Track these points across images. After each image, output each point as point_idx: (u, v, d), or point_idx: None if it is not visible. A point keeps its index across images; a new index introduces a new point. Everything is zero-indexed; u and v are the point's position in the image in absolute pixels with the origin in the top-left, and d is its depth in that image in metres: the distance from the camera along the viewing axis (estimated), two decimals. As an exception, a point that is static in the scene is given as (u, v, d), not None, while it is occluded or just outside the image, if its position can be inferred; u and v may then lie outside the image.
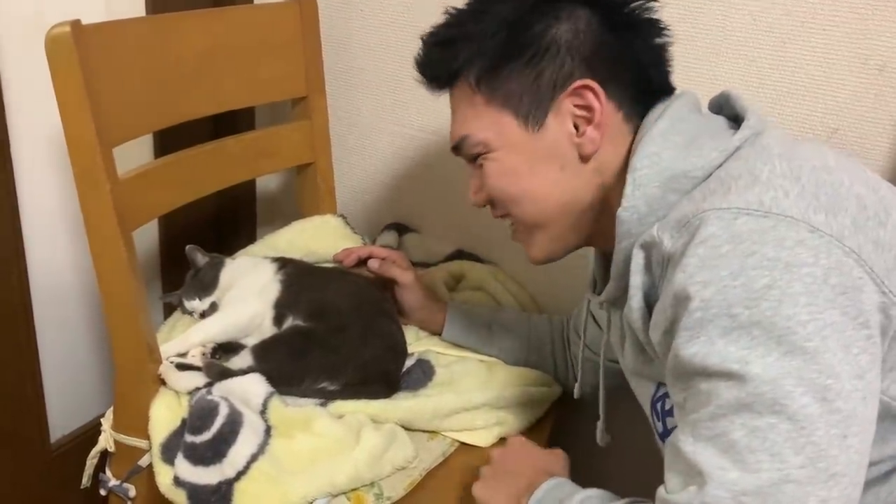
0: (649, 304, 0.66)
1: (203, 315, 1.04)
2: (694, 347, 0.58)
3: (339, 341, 0.95)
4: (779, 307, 0.55)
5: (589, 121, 0.72)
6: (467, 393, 0.97)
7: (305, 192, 1.27)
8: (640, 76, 0.74)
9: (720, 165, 0.66)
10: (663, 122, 0.70)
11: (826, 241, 0.56)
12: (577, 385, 0.98)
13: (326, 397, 0.93)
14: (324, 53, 1.22)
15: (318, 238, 1.22)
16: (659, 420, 0.76)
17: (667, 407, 0.74)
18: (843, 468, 0.54)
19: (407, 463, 0.87)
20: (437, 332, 1.10)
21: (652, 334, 0.66)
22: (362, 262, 1.13)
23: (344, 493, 0.83)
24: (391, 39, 1.24)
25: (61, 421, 1.24)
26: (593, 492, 0.73)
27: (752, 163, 0.63)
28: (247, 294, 1.02)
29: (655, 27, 0.75)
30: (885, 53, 0.91)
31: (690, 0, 0.99)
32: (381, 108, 1.29)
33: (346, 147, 1.34)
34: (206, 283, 1.05)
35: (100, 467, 1.00)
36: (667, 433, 0.74)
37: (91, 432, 1.21)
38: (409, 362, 1.02)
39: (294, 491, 0.81)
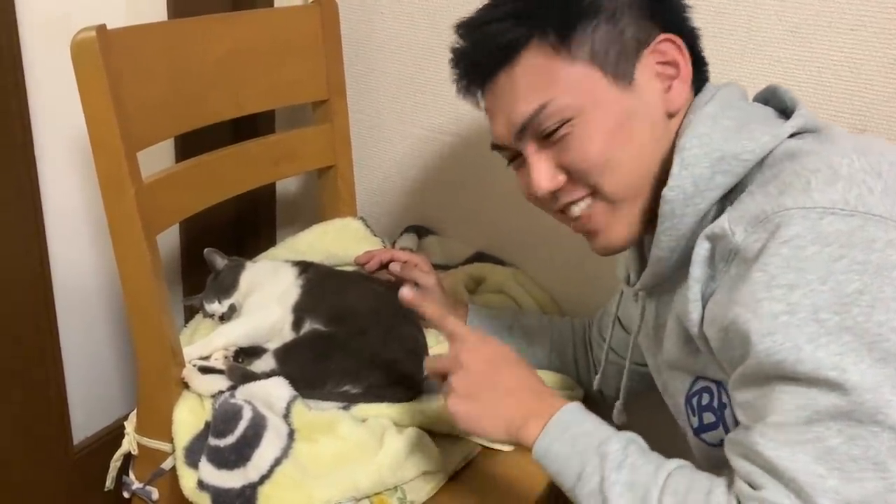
0: (703, 296, 0.65)
1: (222, 317, 1.05)
2: (780, 353, 0.56)
3: (361, 344, 0.95)
4: (871, 313, 0.54)
5: (673, 77, 0.71)
6: (490, 397, 0.96)
7: (326, 194, 1.28)
8: (692, 44, 0.73)
9: (772, 151, 0.65)
10: (713, 105, 0.69)
11: None
12: (596, 377, 0.96)
13: (349, 400, 0.92)
14: (344, 56, 1.22)
15: (339, 241, 1.22)
16: (695, 415, 0.74)
17: (703, 402, 0.72)
18: None
19: (430, 467, 0.87)
20: (458, 337, 1.09)
21: (707, 329, 0.64)
22: (383, 265, 1.13)
23: (367, 496, 0.83)
24: (411, 41, 1.24)
25: (84, 422, 1.25)
26: (628, 437, 0.67)
27: (828, 156, 0.61)
28: (269, 299, 1.03)
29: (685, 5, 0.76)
30: (914, 53, 0.90)
31: (717, 1, 0.98)
32: (401, 110, 1.29)
33: (367, 150, 1.34)
34: (226, 286, 1.05)
35: (123, 470, 1.00)
36: (703, 428, 0.73)
37: (114, 434, 1.22)
38: (431, 366, 1.02)
39: (318, 494, 0.81)
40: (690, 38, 0.73)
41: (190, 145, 1.15)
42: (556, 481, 0.68)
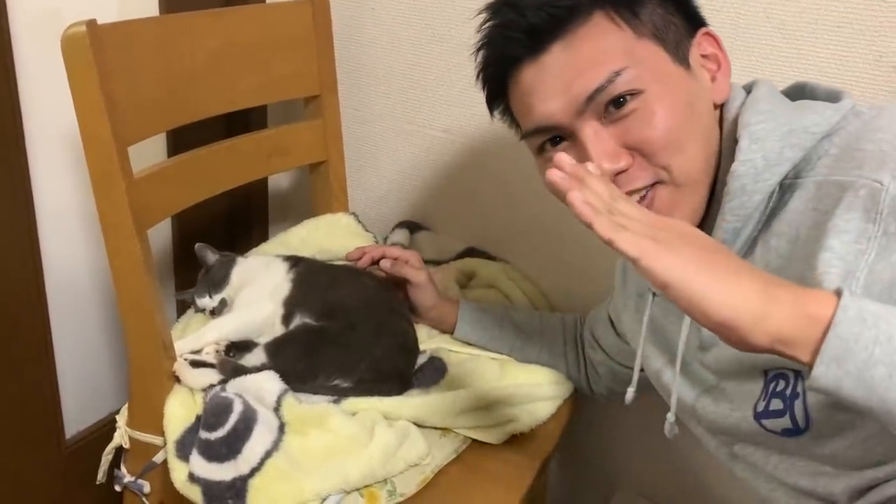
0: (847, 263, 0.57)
1: (213, 312, 1.05)
2: None
3: (352, 339, 0.96)
4: None
5: (714, 70, 0.71)
6: (479, 391, 0.97)
7: (318, 190, 1.28)
8: None
9: (838, 126, 0.65)
10: (763, 89, 0.69)
11: None
12: (630, 390, 0.83)
13: (339, 394, 0.93)
14: (336, 51, 1.22)
15: (331, 236, 1.23)
16: (764, 399, 0.68)
17: (778, 388, 0.67)
18: None
19: (419, 460, 0.88)
20: (449, 331, 1.10)
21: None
22: (375, 262, 1.13)
23: (357, 489, 0.83)
24: (403, 37, 1.24)
25: (76, 417, 1.25)
26: None
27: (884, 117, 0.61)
28: (260, 294, 1.03)
29: None
30: (899, 50, 0.90)
31: (703, -2, 0.99)
32: (393, 106, 1.30)
33: (359, 145, 1.35)
34: (217, 281, 1.06)
35: (115, 463, 1.01)
36: (766, 414, 0.68)
37: (105, 428, 1.23)
38: (421, 360, 1.03)
39: (308, 487, 0.81)
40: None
41: (182, 140, 1.15)
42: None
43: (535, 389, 1.00)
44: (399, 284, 1.11)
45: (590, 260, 1.17)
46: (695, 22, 0.72)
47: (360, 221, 1.27)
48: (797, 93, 0.74)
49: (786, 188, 0.65)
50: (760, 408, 0.70)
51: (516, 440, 0.96)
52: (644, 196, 0.68)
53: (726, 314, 0.48)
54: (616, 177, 0.68)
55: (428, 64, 1.23)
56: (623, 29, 0.68)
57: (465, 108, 1.22)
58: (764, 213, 0.66)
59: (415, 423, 0.92)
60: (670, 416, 0.79)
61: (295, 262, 1.08)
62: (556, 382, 1.04)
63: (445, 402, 0.94)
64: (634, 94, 0.67)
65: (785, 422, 0.68)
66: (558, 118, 0.69)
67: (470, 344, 1.08)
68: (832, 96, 0.70)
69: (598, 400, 1.10)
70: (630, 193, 0.68)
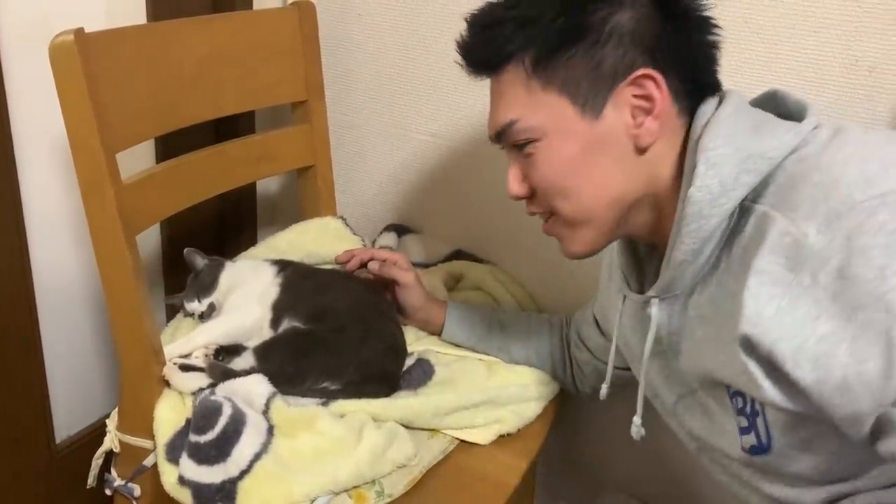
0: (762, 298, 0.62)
1: (202, 316, 1.06)
2: None
3: (340, 342, 0.97)
4: None
5: (647, 111, 0.70)
6: (467, 392, 0.98)
7: (306, 194, 1.29)
8: (694, 71, 0.72)
9: (796, 149, 0.65)
10: (727, 108, 0.69)
11: None
12: (604, 387, 0.92)
13: (328, 397, 0.94)
14: (323, 58, 1.23)
15: (319, 240, 1.24)
16: (752, 432, 0.71)
17: (738, 405, 0.71)
18: None
19: (407, 461, 0.89)
20: (436, 332, 1.11)
21: (778, 344, 0.60)
22: (363, 264, 1.14)
23: (346, 490, 0.84)
24: (389, 44, 1.26)
25: (66, 422, 1.26)
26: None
27: (867, 147, 0.61)
28: (248, 298, 1.04)
29: (708, 24, 0.73)
30: (874, 55, 0.92)
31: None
32: (379, 110, 1.31)
33: (346, 150, 1.36)
34: (205, 285, 1.06)
35: (105, 467, 1.02)
36: (749, 430, 0.71)
37: (95, 433, 1.23)
38: (409, 362, 1.03)
39: (297, 489, 0.82)
40: (689, 71, 0.72)
41: (170, 146, 1.16)
42: None
43: (521, 390, 1.01)
44: (387, 286, 1.12)
45: (575, 262, 1.18)
46: (633, 63, 0.70)
47: (348, 225, 1.28)
48: (769, 100, 0.75)
49: (745, 210, 0.66)
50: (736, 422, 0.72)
51: (503, 440, 0.97)
52: (548, 220, 0.79)
53: None
54: (523, 200, 0.79)
55: (414, 69, 1.24)
56: (532, 80, 0.72)
57: (451, 113, 1.23)
58: (725, 232, 0.68)
59: (403, 425, 0.93)
60: (636, 419, 0.84)
61: (283, 266, 1.09)
62: (542, 383, 1.05)
63: (433, 404, 0.95)
64: (531, 140, 0.74)
65: (751, 439, 0.70)
66: (493, 137, 0.79)
67: (457, 345, 1.10)
68: (798, 111, 0.71)
69: (584, 399, 1.11)
70: (533, 213, 0.80)
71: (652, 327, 0.77)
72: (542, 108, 0.72)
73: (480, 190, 1.25)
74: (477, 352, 1.09)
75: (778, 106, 0.73)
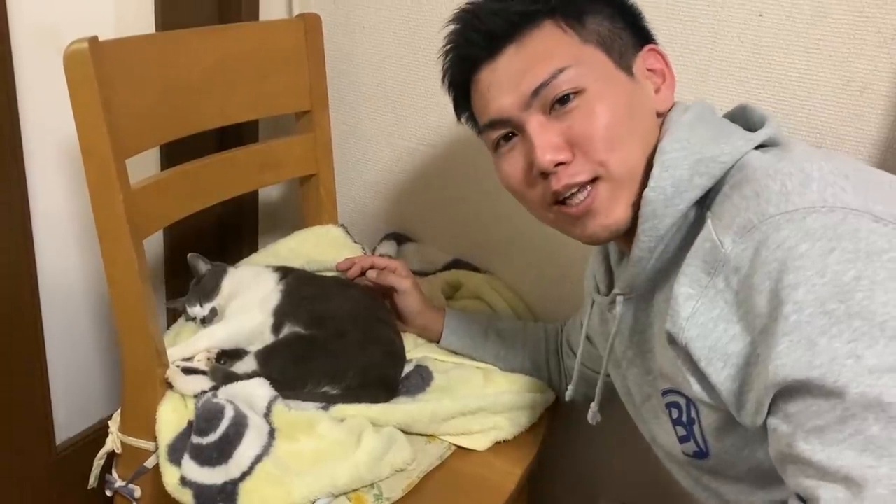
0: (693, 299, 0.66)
1: (204, 321, 1.08)
2: (796, 352, 0.56)
3: (340, 347, 0.98)
4: (872, 296, 0.55)
5: (659, 83, 0.76)
6: (464, 398, 1.00)
7: (308, 202, 1.31)
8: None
9: (746, 153, 0.68)
10: (690, 114, 0.73)
11: (892, 228, 0.57)
12: (569, 389, 0.98)
13: (328, 401, 0.95)
14: (327, 68, 1.25)
15: (320, 247, 1.25)
16: (673, 426, 0.76)
17: (673, 416, 0.75)
18: None
19: (406, 465, 0.90)
20: (435, 339, 1.13)
21: (695, 343, 0.64)
22: (364, 271, 1.16)
23: (345, 493, 0.86)
24: (392, 56, 1.28)
25: (67, 423, 1.27)
26: None
27: (798, 162, 0.64)
28: (251, 304, 1.05)
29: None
30: (865, 76, 0.95)
31: (681, 22, 1.03)
32: (381, 121, 1.33)
33: (348, 159, 1.38)
34: (208, 290, 1.08)
35: (106, 468, 1.03)
36: (688, 438, 0.74)
37: (95, 435, 1.24)
38: (407, 368, 1.05)
39: (297, 491, 0.83)
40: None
41: (175, 153, 1.17)
42: None
43: (518, 397, 1.03)
44: (386, 293, 1.14)
45: (570, 271, 1.21)
46: (642, 38, 0.77)
47: (348, 233, 1.30)
48: (739, 113, 0.79)
49: (701, 211, 0.69)
50: (675, 432, 0.76)
51: (500, 447, 0.98)
52: (588, 192, 0.73)
53: None
54: (558, 169, 0.72)
55: (417, 81, 1.27)
56: (570, 34, 0.73)
57: (451, 125, 1.25)
58: (681, 231, 0.71)
59: (401, 430, 0.94)
60: (593, 406, 0.89)
61: (285, 272, 1.11)
62: (538, 390, 1.07)
63: (431, 410, 0.96)
64: (577, 92, 0.72)
65: (692, 446, 0.74)
66: (509, 112, 0.74)
67: (455, 352, 1.11)
68: (758, 122, 0.74)
69: (579, 407, 1.13)
70: (572, 188, 0.72)
71: (615, 324, 0.81)
72: (586, 59, 0.73)
73: (479, 200, 1.27)
74: (474, 359, 1.10)
75: (746, 119, 0.77)
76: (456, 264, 1.31)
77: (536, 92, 0.72)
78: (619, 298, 0.79)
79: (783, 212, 0.60)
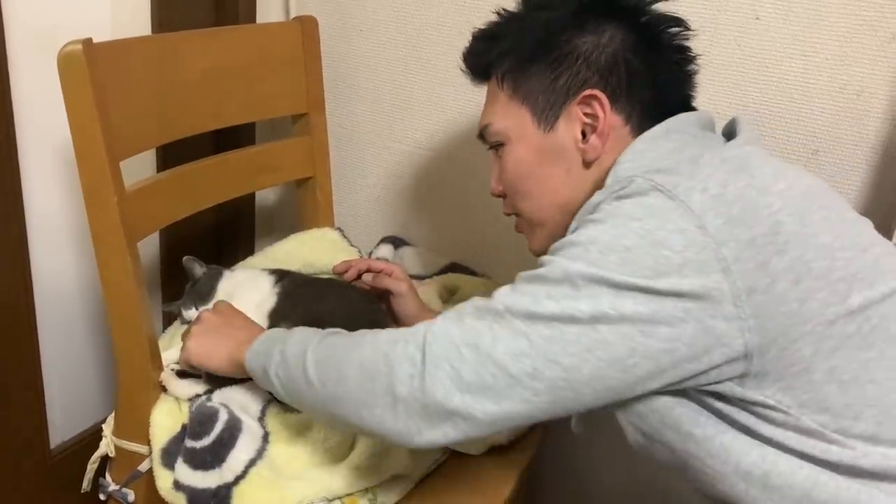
0: None
1: None
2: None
3: (335, 351, 0.98)
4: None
5: (594, 129, 0.77)
6: (460, 402, 0.99)
7: (304, 205, 1.30)
8: (655, 96, 0.77)
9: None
10: (658, 129, 0.75)
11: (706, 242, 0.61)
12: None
13: (323, 405, 0.95)
14: (324, 71, 1.25)
15: (317, 250, 1.25)
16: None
17: None
18: None
19: (400, 470, 0.90)
20: (431, 343, 1.12)
21: None
22: (361, 274, 1.15)
23: (339, 497, 0.85)
24: (389, 59, 1.28)
25: (62, 426, 1.26)
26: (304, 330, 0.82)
27: (702, 166, 0.67)
28: (246, 307, 1.05)
29: (683, 54, 0.80)
30: (862, 79, 0.95)
31: (678, 26, 1.03)
32: (378, 124, 1.33)
33: (345, 162, 1.37)
34: (203, 293, 1.07)
35: (100, 472, 1.02)
36: None
37: (90, 438, 1.24)
38: (403, 372, 1.04)
39: (291, 495, 0.83)
40: (656, 90, 0.77)
41: (171, 155, 1.17)
42: (259, 379, 0.82)
43: (514, 402, 1.02)
44: (382, 296, 1.13)
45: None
46: (585, 83, 0.77)
47: (345, 236, 1.30)
48: (730, 126, 0.81)
49: None
50: None
51: (495, 452, 0.98)
52: (517, 221, 0.87)
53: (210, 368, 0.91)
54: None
55: (413, 84, 1.27)
56: (502, 90, 0.82)
57: (449, 127, 1.26)
58: None
59: (396, 434, 0.94)
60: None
61: (281, 275, 1.10)
62: (534, 395, 1.06)
63: (426, 414, 0.96)
64: (500, 144, 0.83)
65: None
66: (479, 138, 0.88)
67: (451, 357, 1.11)
68: (731, 133, 0.77)
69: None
70: (508, 214, 0.88)
71: None
72: (508, 116, 0.81)
73: (476, 204, 1.27)
74: (470, 363, 1.10)
75: (731, 132, 0.79)
76: (453, 268, 1.30)
77: (480, 135, 0.86)
78: None
79: (640, 175, 0.67)
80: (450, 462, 0.95)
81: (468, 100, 1.22)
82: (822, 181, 0.72)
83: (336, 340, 0.76)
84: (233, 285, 1.08)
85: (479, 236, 1.29)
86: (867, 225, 0.71)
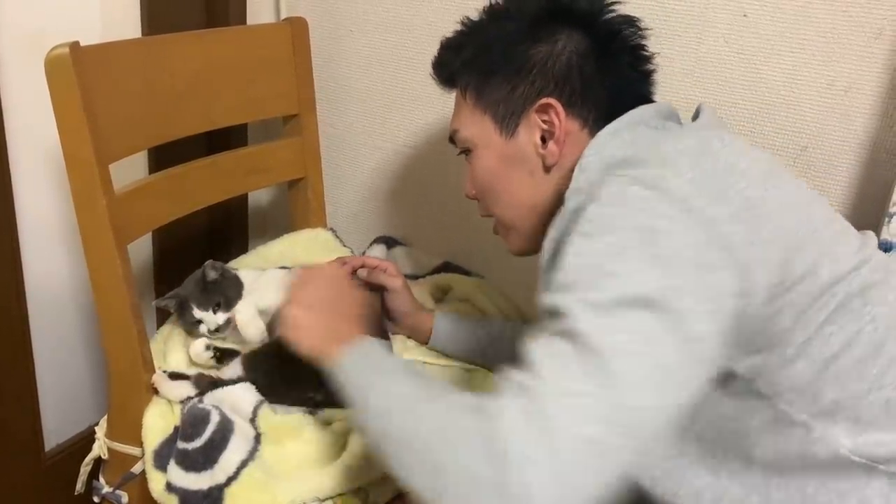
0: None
1: (217, 330, 1.02)
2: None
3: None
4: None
5: (552, 135, 0.79)
6: (452, 401, 0.99)
7: (296, 206, 1.31)
8: (610, 98, 0.79)
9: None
10: (616, 123, 0.76)
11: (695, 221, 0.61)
12: None
13: (314, 406, 0.95)
14: (315, 72, 1.25)
15: (309, 251, 1.25)
16: None
17: None
18: None
19: (392, 469, 0.90)
20: (424, 341, 1.12)
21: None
22: (355, 271, 1.16)
23: (331, 497, 0.85)
24: (380, 58, 1.28)
25: (56, 429, 1.27)
26: (398, 363, 0.78)
27: (668, 154, 0.67)
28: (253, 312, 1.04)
29: (636, 55, 0.82)
30: (849, 76, 0.95)
31: (666, 24, 1.03)
32: (369, 125, 1.33)
33: (336, 163, 1.38)
34: (230, 298, 1.02)
35: (93, 474, 1.02)
36: None
37: (85, 441, 1.24)
38: (395, 371, 1.05)
39: (283, 495, 0.83)
40: (611, 93, 0.79)
41: (163, 157, 1.17)
42: (337, 388, 0.74)
43: (506, 400, 1.03)
44: (377, 294, 1.13)
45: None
46: (541, 92, 0.79)
47: (337, 237, 1.30)
48: (695, 115, 0.82)
49: None
50: None
51: (487, 450, 0.98)
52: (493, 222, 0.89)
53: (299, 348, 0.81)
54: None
55: (404, 84, 1.27)
56: (467, 100, 0.84)
57: (440, 127, 1.26)
58: None
59: (388, 433, 0.94)
60: None
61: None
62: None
63: (418, 413, 0.96)
64: (468, 150, 0.86)
65: None
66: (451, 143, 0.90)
67: (445, 355, 1.11)
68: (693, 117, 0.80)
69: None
70: (483, 216, 0.90)
71: None
72: (473, 123, 0.84)
73: (468, 204, 1.25)
74: (464, 361, 1.10)
75: (695, 115, 0.81)
76: (446, 268, 1.30)
77: (450, 138, 0.88)
78: None
79: (616, 175, 0.66)
80: (442, 461, 0.96)
81: (459, 99, 1.22)
82: (776, 160, 0.75)
83: (426, 415, 0.64)
84: (249, 283, 1.06)
85: (471, 236, 1.29)
86: (823, 202, 0.73)
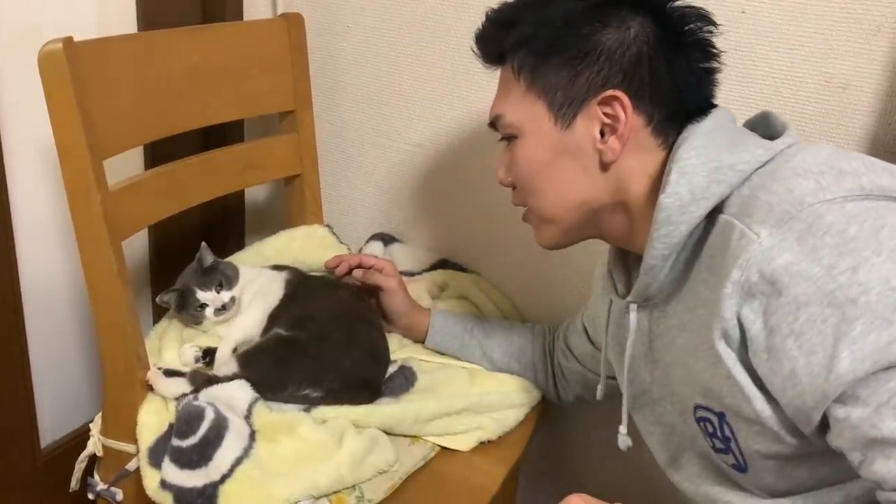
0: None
1: (223, 308, 1.02)
2: (872, 334, 0.56)
3: (322, 349, 0.98)
4: None
5: (614, 130, 0.73)
6: (448, 399, 0.99)
7: (293, 202, 1.30)
8: (676, 96, 0.73)
9: (766, 163, 0.67)
10: (709, 123, 0.72)
11: None
12: (599, 387, 0.95)
13: (309, 403, 0.95)
14: (311, 68, 1.25)
15: (306, 248, 1.25)
16: (707, 437, 0.75)
17: (708, 430, 0.73)
18: None
19: (388, 466, 0.90)
20: (420, 339, 1.12)
21: (756, 355, 0.64)
22: (352, 269, 1.15)
23: (326, 495, 0.85)
24: (377, 54, 1.27)
25: (52, 426, 1.26)
26: None
27: (827, 159, 0.63)
28: (255, 314, 1.05)
29: (705, 51, 0.75)
30: (847, 73, 0.94)
31: (663, 20, 1.03)
32: (366, 121, 1.32)
33: (333, 159, 1.37)
34: (229, 276, 1.04)
35: (88, 471, 1.02)
36: (718, 451, 0.74)
37: (80, 438, 1.23)
38: (392, 369, 1.05)
39: (277, 493, 0.83)
40: (671, 95, 0.73)
41: (159, 153, 1.17)
42: None
43: (503, 397, 1.03)
44: (372, 292, 1.13)
45: (559, 273, 1.20)
46: (606, 82, 0.73)
47: (334, 233, 1.29)
48: (760, 121, 0.78)
49: (712, 219, 0.68)
50: (713, 444, 0.75)
51: (484, 447, 0.98)
52: (525, 211, 0.83)
53: None
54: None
55: (401, 80, 1.26)
56: (519, 81, 0.77)
57: (437, 123, 1.25)
58: (691, 241, 0.70)
59: (384, 431, 0.94)
60: (622, 429, 0.86)
61: (289, 280, 1.09)
62: (524, 390, 1.06)
63: (414, 411, 0.96)
64: (513, 136, 0.79)
65: (730, 458, 0.73)
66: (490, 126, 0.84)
67: (440, 353, 1.11)
68: (779, 130, 0.73)
69: (565, 408, 1.13)
70: (516, 205, 0.84)
71: (630, 333, 0.79)
72: (523, 109, 0.77)
73: (466, 200, 1.27)
74: (459, 359, 1.10)
75: (768, 127, 0.76)
76: (443, 264, 1.30)
77: (492, 124, 0.82)
78: (633, 306, 0.78)
79: (822, 200, 0.60)
80: (438, 458, 0.96)
81: (456, 95, 1.21)
82: None
83: None
84: (248, 280, 1.07)
85: (469, 232, 1.29)
86: None
